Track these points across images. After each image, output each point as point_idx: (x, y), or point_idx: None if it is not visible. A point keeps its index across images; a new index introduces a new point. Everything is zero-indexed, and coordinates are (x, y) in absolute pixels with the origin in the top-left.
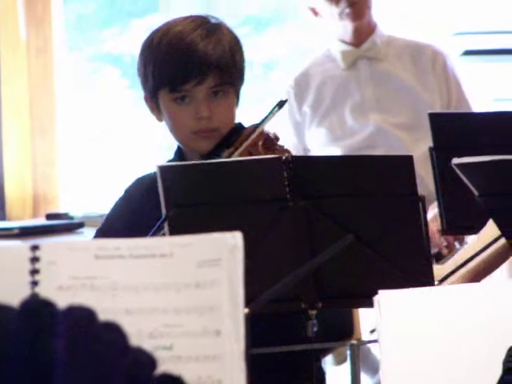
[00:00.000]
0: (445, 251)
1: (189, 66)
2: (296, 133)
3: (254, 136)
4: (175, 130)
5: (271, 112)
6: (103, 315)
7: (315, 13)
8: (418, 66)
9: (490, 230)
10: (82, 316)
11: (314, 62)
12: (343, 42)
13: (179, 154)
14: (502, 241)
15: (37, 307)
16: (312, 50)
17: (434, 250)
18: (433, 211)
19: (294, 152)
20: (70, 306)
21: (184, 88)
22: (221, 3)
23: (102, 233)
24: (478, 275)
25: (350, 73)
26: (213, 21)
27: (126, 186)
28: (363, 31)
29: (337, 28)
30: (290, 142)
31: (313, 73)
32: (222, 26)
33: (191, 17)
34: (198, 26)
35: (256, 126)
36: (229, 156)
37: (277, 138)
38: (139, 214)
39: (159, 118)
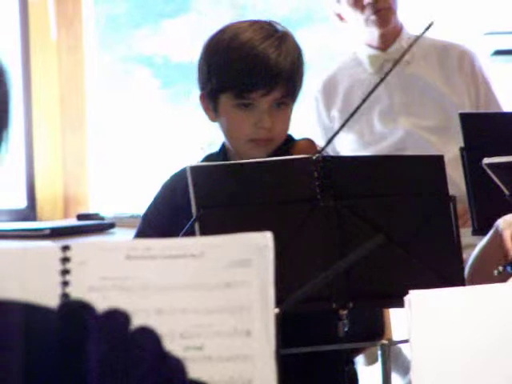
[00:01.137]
0: None
1: (260, 76)
2: (325, 137)
3: (306, 150)
4: (231, 134)
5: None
6: (134, 316)
7: (341, 18)
8: (445, 66)
9: None
10: (120, 320)
11: (341, 66)
12: (370, 46)
13: (223, 153)
14: None
15: (75, 310)
16: (342, 51)
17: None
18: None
19: None
20: (108, 310)
21: (250, 96)
22: (251, 4)
23: (143, 230)
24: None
25: (377, 77)
26: (279, 28)
27: (163, 182)
28: (389, 36)
29: (363, 33)
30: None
31: (340, 77)
32: (289, 36)
33: (258, 23)
34: (268, 34)
35: (310, 140)
36: None
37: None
38: (181, 210)
39: (212, 118)
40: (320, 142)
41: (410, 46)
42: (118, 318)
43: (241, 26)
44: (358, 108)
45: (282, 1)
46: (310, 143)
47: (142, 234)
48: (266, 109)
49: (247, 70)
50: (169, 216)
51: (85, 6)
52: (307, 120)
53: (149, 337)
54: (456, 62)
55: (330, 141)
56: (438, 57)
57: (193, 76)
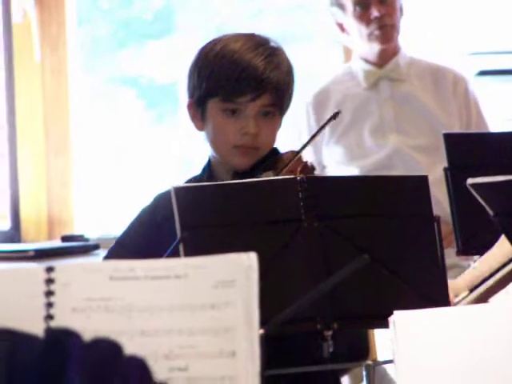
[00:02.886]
0: None
1: (248, 80)
2: (314, 149)
3: (292, 163)
4: (217, 140)
5: (323, 126)
6: (118, 337)
7: (342, 29)
8: (439, 89)
9: (502, 248)
10: (107, 350)
11: (334, 79)
12: (366, 61)
13: (209, 171)
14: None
15: (62, 337)
16: (327, 70)
17: None
18: None
19: None
20: (95, 339)
21: (238, 100)
22: (235, 26)
23: (116, 252)
24: (488, 293)
25: (370, 93)
26: (272, 44)
27: (149, 202)
28: (388, 53)
29: (362, 47)
30: (307, 159)
31: (333, 90)
32: (281, 51)
33: (251, 35)
34: (259, 44)
35: (295, 152)
36: None
37: (313, 168)
38: (162, 230)
39: (199, 127)
40: (309, 155)
41: (325, 124)
42: (104, 347)
43: (233, 36)
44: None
45: (267, 23)
46: (295, 156)
47: (113, 253)
48: (252, 115)
49: (236, 74)
50: (148, 237)
51: (69, 28)
52: (294, 131)
53: (138, 367)
54: (450, 85)
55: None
56: (433, 79)
57: (176, 97)
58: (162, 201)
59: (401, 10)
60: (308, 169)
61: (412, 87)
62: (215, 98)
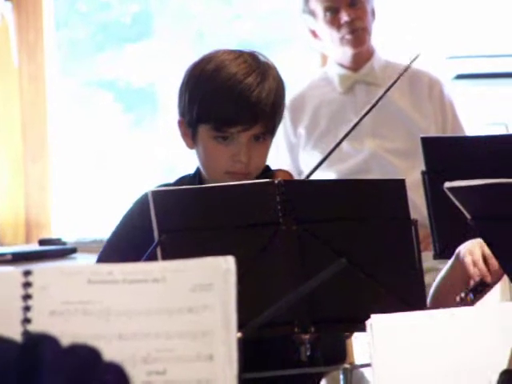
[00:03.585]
0: (488, 279)
1: (241, 112)
2: (290, 154)
3: None
4: (208, 165)
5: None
6: (96, 341)
7: (315, 35)
8: (415, 92)
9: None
10: (85, 356)
11: (310, 84)
12: (341, 65)
13: (197, 176)
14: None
15: (40, 342)
16: (306, 74)
17: (476, 279)
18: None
19: None
20: (73, 345)
21: (230, 130)
22: (212, 30)
23: (106, 256)
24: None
25: (346, 97)
26: (262, 60)
27: (130, 207)
28: (362, 56)
29: (335, 52)
30: (284, 164)
31: (309, 95)
32: (271, 68)
33: (242, 55)
34: (251, 69)
35: (285, 171)
36: None
37: None
38: (143, 233)
39: (190, 145)
40: (284, 158)
41: (400, 75)
42: (83, 352)
43: (225, 59)
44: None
45: (244, 25)
46: (287, 174)
47: (103, 259)
48: (244, 143)
49: (229, 105)
50: (131, 241)
51: (46, 33)
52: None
53: (116, 374)
54: (426, 89)
55: (311, 173)
56: (409, 82)
57: (154, 100)
58: (141, 205)
59: (372, 12)
60: None
61: (388, 91)
62: (207, 125)
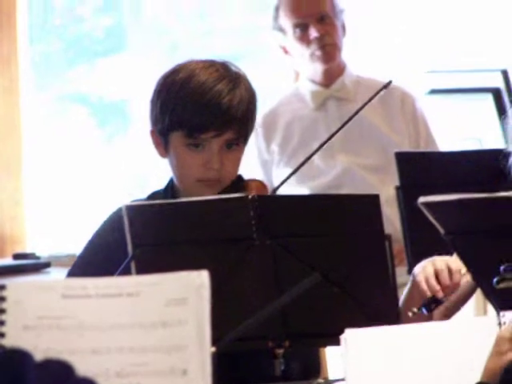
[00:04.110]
0: (440, 294)
1: (212, 118)
2: (264, 171)
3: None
4: (180, 173)
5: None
6: (69, 355)
7: (285, 51)
8: (387, 107)
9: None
10: (58, 371)
11: (282, 100)
12: (312, 81)
13: (170, 188)
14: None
15: (13, 357)
16: (280, 88)
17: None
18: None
19: None
20: (46, 359)
21: (201, 137)
22: (187, 42)
23: (79, 270)
24: (448, 311)
25: (318, 113)
26: (233, 71)
27: (102, 222)
28: (333, 72)
29: (307, 68)
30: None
31: (281, 111)
32: (243, 78)
33: (213, 65)
34: (222, 77)
35: (256, 181)
36: None
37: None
38: (116, 249)
39: (162, 155)
40: (258, 174)
41: (370, 100)
42: (55, 368)
43: (196, 68)
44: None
45: (218, 39)
46: (260, 184)
47: (74, 274)
48: (216, 150)
49: (199, 111)
50: (103, 256)
51: (20, 47)
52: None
53: None
54: (398, 103)
55: (279, 185)
56: (380, 97)
57: (127, 114)
58: (114, 220)
59: (343, 28)
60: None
61: (359, 107)
62: (178, 132)
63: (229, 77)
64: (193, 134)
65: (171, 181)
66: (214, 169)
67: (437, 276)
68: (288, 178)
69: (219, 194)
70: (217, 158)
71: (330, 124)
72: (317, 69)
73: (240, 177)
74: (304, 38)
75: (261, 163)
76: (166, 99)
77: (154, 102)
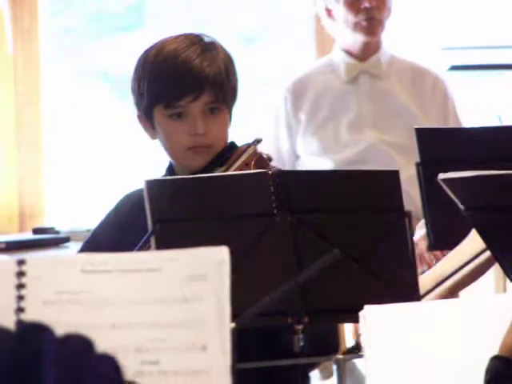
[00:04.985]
0: None
1: (185, 82)
2: (289, 137)
3: (245, 156)
4: (170, 146)
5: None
6: (89, 330)
7: (329, 14)
8: (418, 89)
9: (472, 242)
10: (79, 346)
11: (314, 69)
12: (348, 53)
13: (170, 172)
14: (486, 254)
15: (33, 332)
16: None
17: (423, 268)
18: (421, 230)
19: (287, 157)
20: (67, 334)
21: (180, 104)
22: (208, 18)
23: (88, 247)
24: (458, 287)
25: (350, 86)
26: (206, 39)
27: (115, 202)
28: (371, 47)
29: (346, 37)
30: (282, 146)
31: (312, 80)
32: (217, 45)
33: (185, 35)
34: (192, 43)
35: (248, 146)
36: None
37: (270, 159)
38: (126, 230)
39: (153, 136)
40: (283, 141)
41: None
42: (76, 343)
43: (167, 40)
44: None
45: (244, 16)
46: (249, 147)
47: (86, 248)
48: (197, 115)
49: (172, 78)
50: (114, 237)
51: (41, 19)
52: (271, 119)
53: (109, 365)
54: (430, 87)
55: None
56: (413, 78)
57: None
58: (127, 200)
59: (389, 9)
60: (263, 161)
61: (391, 84)
62: (159, 106)
63: (199, 43)
64: (170, 102)
65: (170, 165)
66: (199, 134)
67: None
68: None
69: (211, 161)
70: (200, 123)
71: (360, 99)
72: (357, 39)
73: (233, 143)
74: (354, 6)
75: (287, 128)
76: (141, 76)
77: (133, 85)
